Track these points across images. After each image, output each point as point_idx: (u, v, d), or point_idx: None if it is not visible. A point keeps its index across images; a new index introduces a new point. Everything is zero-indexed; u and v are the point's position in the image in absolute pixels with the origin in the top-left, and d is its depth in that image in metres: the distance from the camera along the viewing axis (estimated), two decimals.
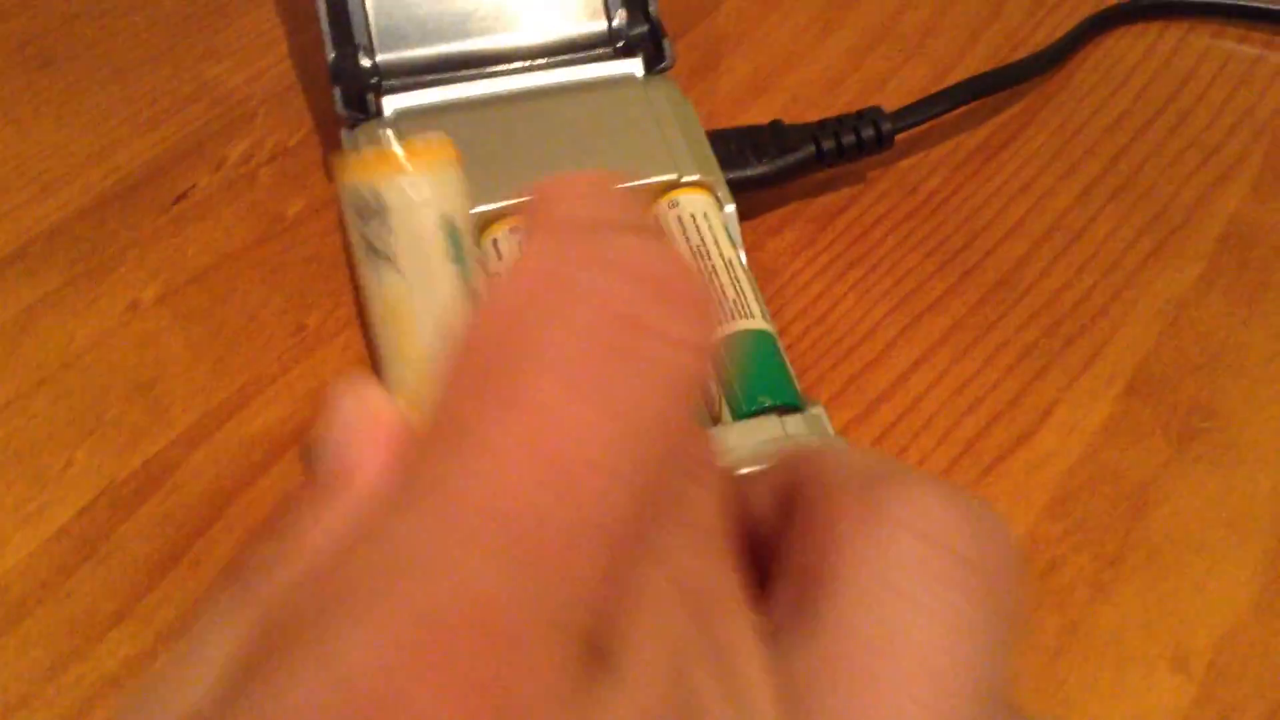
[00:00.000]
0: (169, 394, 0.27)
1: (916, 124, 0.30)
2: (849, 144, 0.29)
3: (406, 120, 0.28)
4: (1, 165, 0.31)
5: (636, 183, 0.26)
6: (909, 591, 0.12)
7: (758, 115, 0.32)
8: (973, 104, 0.32)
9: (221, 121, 0.32)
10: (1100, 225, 0.31)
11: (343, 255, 0.30)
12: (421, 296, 0.14)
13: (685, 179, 0.27)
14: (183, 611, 0.24)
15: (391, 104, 0.28)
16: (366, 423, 0.13)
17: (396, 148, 0.14)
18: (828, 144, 0.29)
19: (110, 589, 0.24)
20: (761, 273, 0.29)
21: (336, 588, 0.11)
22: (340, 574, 0.11)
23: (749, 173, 0.29)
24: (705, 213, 0.26)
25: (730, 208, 0.27)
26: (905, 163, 0.32)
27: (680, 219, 0.26)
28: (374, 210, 0.14)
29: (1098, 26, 0.34)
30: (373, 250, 0.14)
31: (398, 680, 0.10)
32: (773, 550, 0.14)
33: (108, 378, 0.27)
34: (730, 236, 0.26)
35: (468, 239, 0.14)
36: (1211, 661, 0.24)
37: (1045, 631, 0.24)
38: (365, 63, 0.28)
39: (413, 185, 0.14)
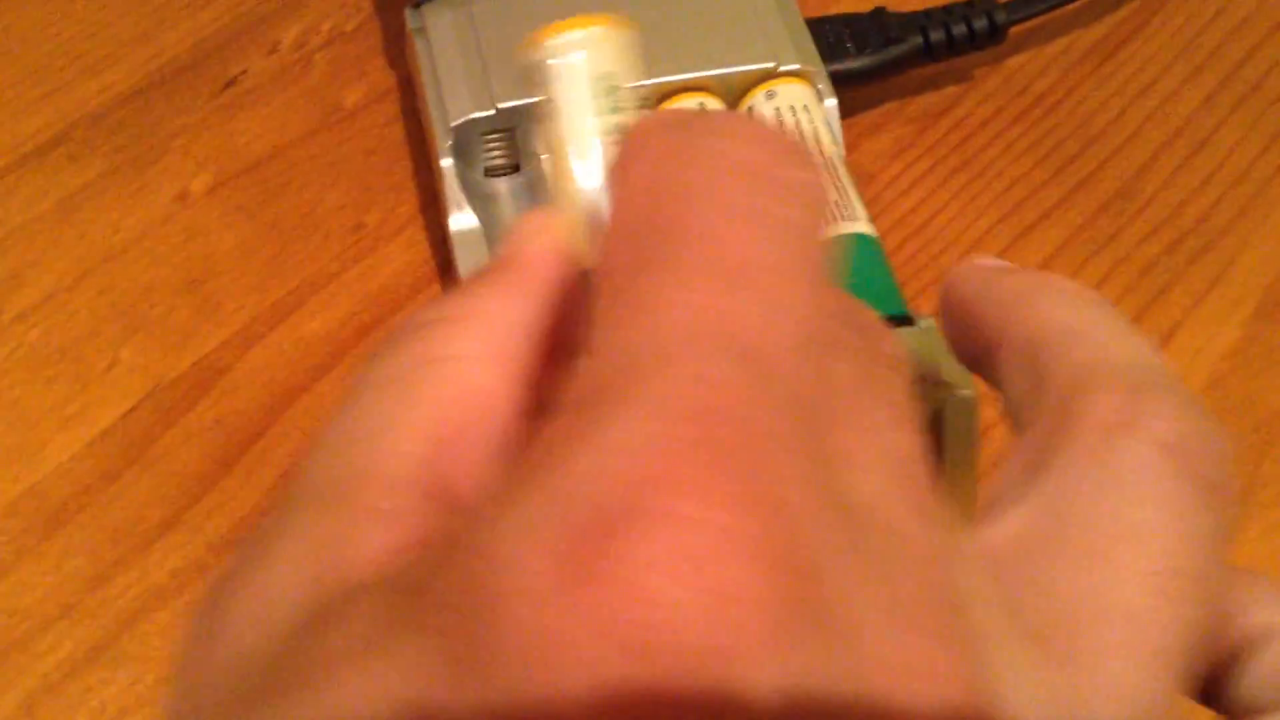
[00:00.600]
0: (220, 291, 0.25)
1: (1032, 16, 0.28)
2: (959, 35, 0.27)
3: (478, 1, 0.25)
4: (41, 45, 0.29)
5: (731, 69, 0.24)
6: (1151, 495, 0.12)
7: (856, 3, 0.30)
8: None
9: (273, 3, 0.30)
10: (1226, 134, 0.28)
11: (404, 148, 0.28)
12: (575, 148, 0.15)
13: (784, 68, 0.24)
14: (236, 522, 0.22)
15: None
16: (549, 233, 0.14)
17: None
18: (936, 35, 0.27)
19: (158, 496, 0.23)
20: (857, 175, 0.27)
21: (574, 394, 0.11)
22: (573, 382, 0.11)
23: (849, 65, 0.26)
24: (805, 105, 0.24)
25: (831, 102, 0.24)
26: (1015, 61, 0.29)
27: (779, 110, 0.24)
28: (538, 65, 0.16)
29: None
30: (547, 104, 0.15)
31: (671, 462, 0.10)
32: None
33: (154, 272, 0.26)
34: (832, 133, 0.24)
35: (628, 97, 0.15)
36: None
37: None
38: None
39: (571, 42, 0.16)
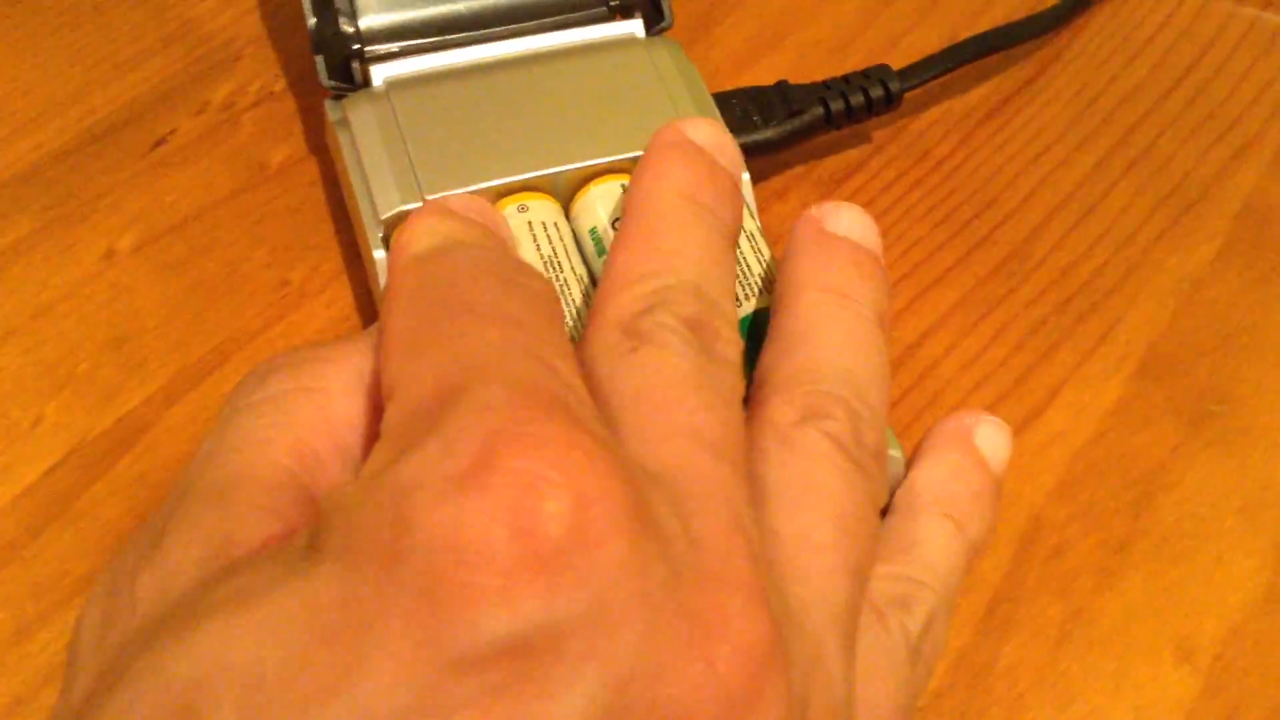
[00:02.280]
0: (144, 349, 0.26)
1: (925, 81, 0.29)
2: (857, 105, 0.28)
3: (398, 93, 0.26)
4: None
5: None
6: (823, 464, 0.18)
7: (760, 77, 0.31)
8: (983, 62, 0.31)
9: (203, 64, 0.31)
10: (1115, 199, 0.30)
11: (327, 207, 0.29)
12: None
13: None
14: None
15: (381, 73, 0.26)
16: None
17: None
18: (835, 105, 0.28)
19: (80, 551, 0.23)
20: (766, 238, 0.28)
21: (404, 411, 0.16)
22: None
23: (756, 137, 0.28)
24: None
25: (745, 176, 0.25)
26: (915, 126, 0.31)
27: None
28: None
29: None
30: None
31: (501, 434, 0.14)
32: None
33: (80, 330, 0.26)
34: (749, 208, 0.25)
35: None
36: (1218, 654, 0.23)
37: (1049, 618, 0.23)
38: (347, 29, 0.27)
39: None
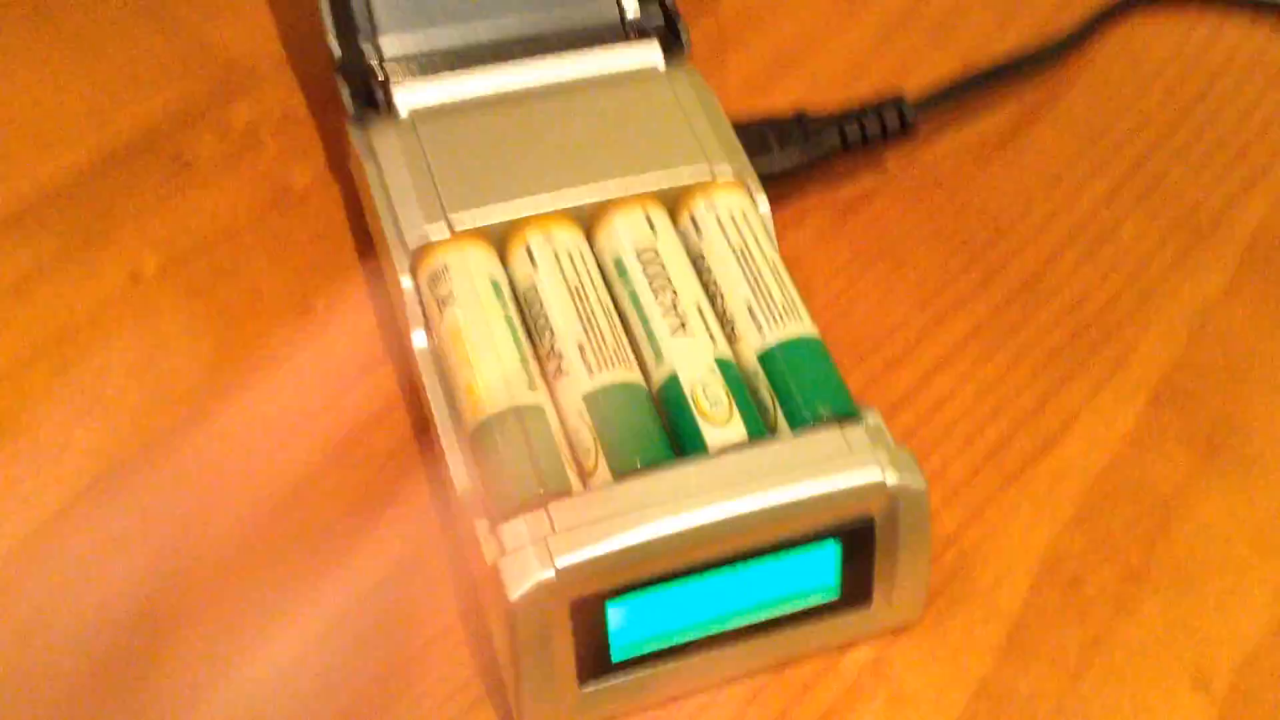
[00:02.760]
0: (172, 373, 0.26)
1: (939, 106, 0.29)
2: (873, 133, 0.29)
3: (424, 122, 0.26)
4: None
5: (670, 183, 0.25)
6: None
7: (775, 102, 0.31)
8: (997, 90, 0.32)
9: (225, 87, 0.31)
10: (1126, 228, 0.30)
11: (350, 233, 0.29)
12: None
13: (720, 177, 0.26)
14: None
15: (405, 102, 0.26)
16: None
17: None
18: (852, 133, 0.28)
19: None
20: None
21: None
22: None
23: (774, 166, 0.28)
24: (744, 212, 0.25)
25: (765, 205, 0.26)
26: (929, 153, 0.31)
27: (720, 220, 0.25)
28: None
29: (1125, 6, 0.34)
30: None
31: None
32: None
33: (107, 354, 0.27)
34: (770, 237, 0.25)
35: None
36: (1234, 683, 0.23)
37: (1067, 647, 0.24)
38: (371, 59, 0.27)
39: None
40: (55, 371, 0.26)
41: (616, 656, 0.22)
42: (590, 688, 0.22)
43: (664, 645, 0.22)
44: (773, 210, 0.29)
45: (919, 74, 0.32)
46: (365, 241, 0.28)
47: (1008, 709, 0.23)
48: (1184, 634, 0.24)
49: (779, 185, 0.28)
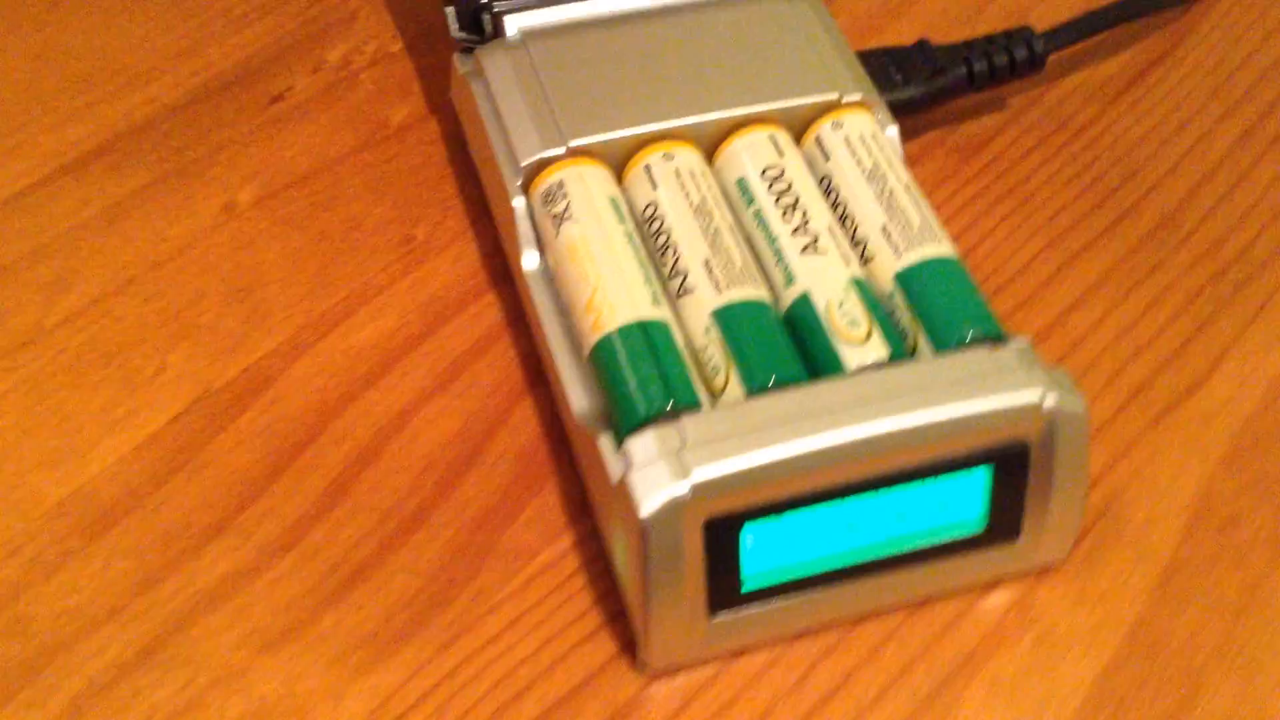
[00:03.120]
0: (268, 301, 0.25)
1: (1069, 44, 0.28)
2: (1000, 65, 0.27)
3: (535, 42, 0.25)
4: (84, 58, 0.29)
5: (796, 102, 0.24)
6: None
7: (889, 41, 0.30)
8: (1118, 33, 0.30)
9: (318, 23, 0.30)
10: (1262, 171, 0.28)
11: (450, 166, 0.28)
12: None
13: (846, 99, 0.24)
14: (285, 527, 0.22)
15: (514, 23, 0.25)
16: None
17: None
18: (979, 65, 0.27)
19: (206, 501, 0.22)
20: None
21: None
22: None
23: (898, 95, 0.27)
24: (873, 134, 0.24)
25: (893, 130, 0.24)
26: (1054, 93, 0.29)
27: (848, 140, 0.24)
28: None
29: None
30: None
31: None
32: None
33: (202, 281, 0.25)
34: (900, 158, 0.24)
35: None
36: None
37: (1225, 591, 0.22)
38: None
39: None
40: (148, 298, 0.25)
41: (749, 585, 0.20)
42: (721, 617, 0.20)
43: (799, 575, 0.20)
44: None
45: (1037, 16, 0.31)
46: (466, 177, 0.27)
47: (1164, 651, 0.21)
48: None
49: (901, 118, 0.27)
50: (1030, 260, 0.26)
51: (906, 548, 0.21)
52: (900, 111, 0.27)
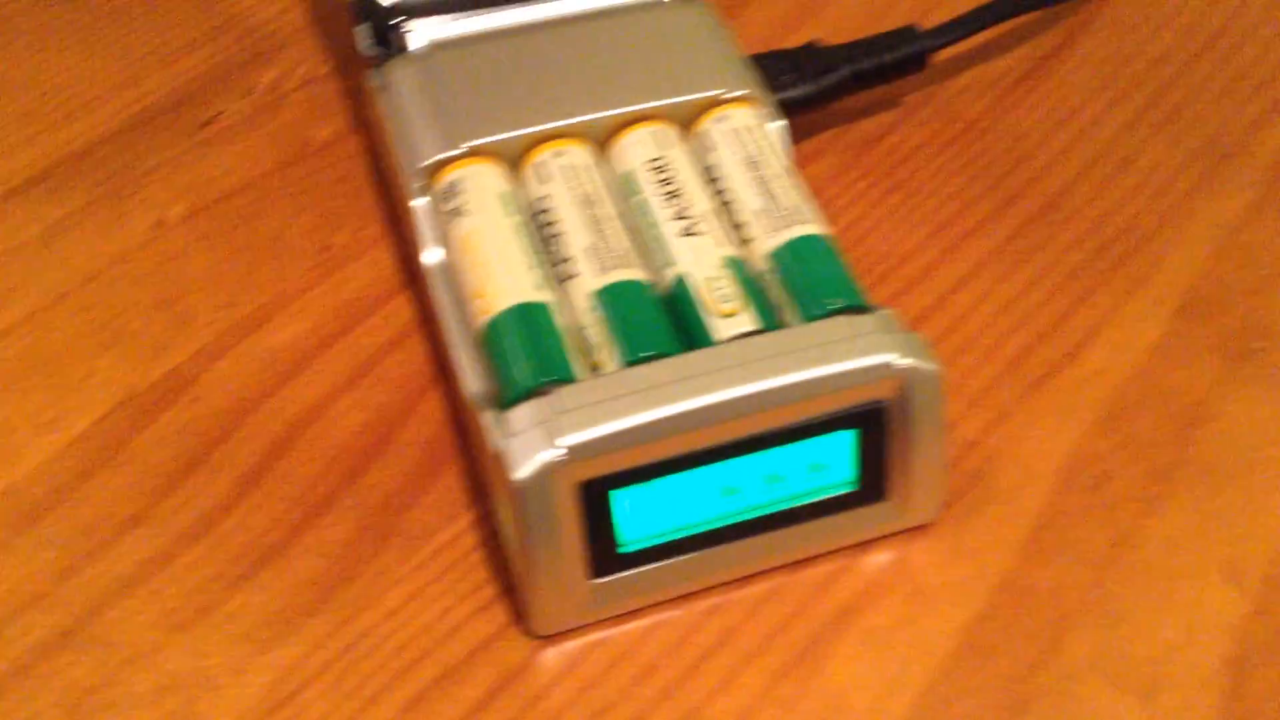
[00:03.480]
0: (193, 309, 0.27)
1: (953, 41, 0.29)
2: (885, 63, 0.29)
3: (437, 53, 0.27)
4: (26, 93, 0.31)
5: (682, 98, 0.26)
6: None
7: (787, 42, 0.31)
8: (1013, 30, 0.32)
9: (251, 52, 0.32)
10: (1147, 154, 0.30)
11: (369, 178, 0.29)
12: None
13: (731, 94, 0.26)
14: (200, 516, 0.23)
15: (420, 37, 0.27)
16: None
17: None
18: (864, 64, 0.29)
19: (127, 494, 0.24)
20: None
21: None
22: None
23: (789, 94, 0.28)
24: (754, 125, 0.25)
25: (779, 123, 0.26)
26: (946, 89, 0.31)
27: (730, 132, 0.25)
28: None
29: None
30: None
31: None
32: None
33: (131, 293, 0.27)
34: (782, 148, 0.25)
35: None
36: (1266, 575, 0.23)
37: (1093, 544, 0.23)
38: (386, 1, 0.28)
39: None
40: (79, 309, 0.27)
41: (628, 548, 0.21)
42: (601, 581, 0.21)
43: (677, 537, 0.22)
44: (792, 145, 0.29)
45: (939, 17, 0.32)
46: (384, 186, 0.29)
47: (1031, 602, 0.22)
48: (1215, 530, 0.23)
49: (793, 118, 0.28)
50: (917, 246, 0.28)
51: (779, 508, 0.22)
52: (793, 109, 0.28)
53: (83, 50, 0.32)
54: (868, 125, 0.30)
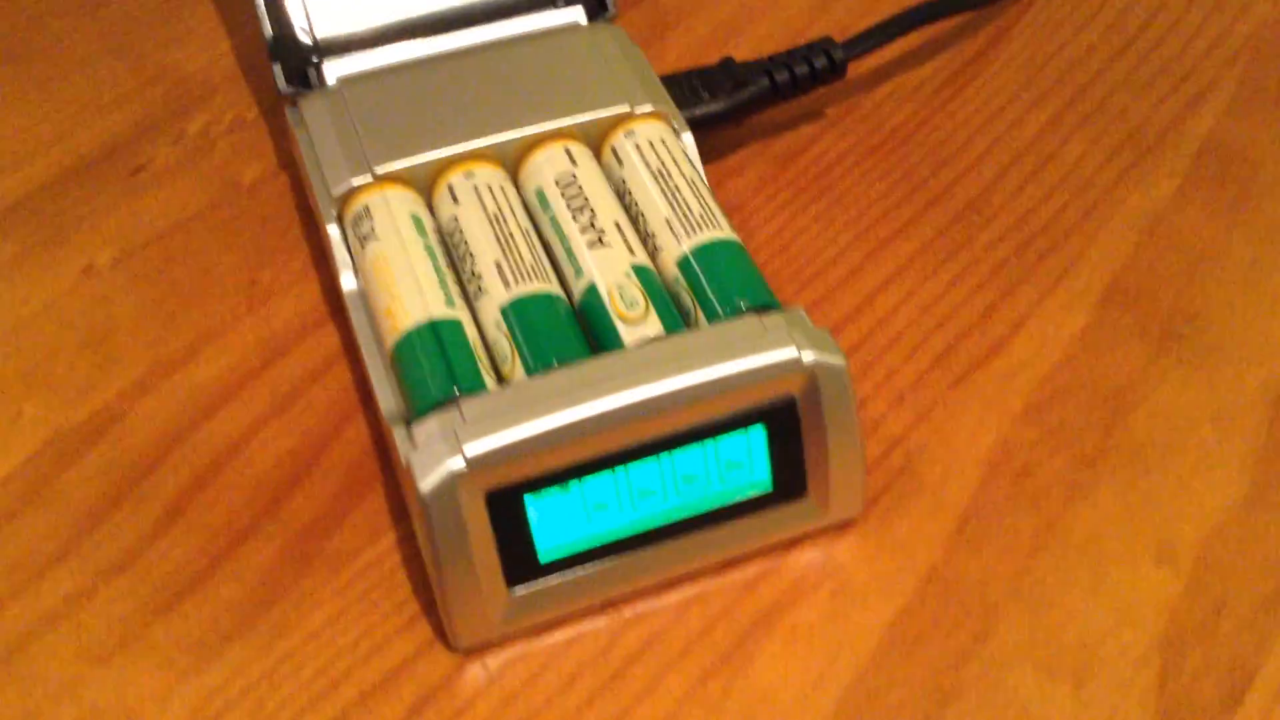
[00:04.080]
0: (120, 349, 0.27)
1: (869, 49, 0.30)
2: (802, 75, 0.29)
3: (350, 87, 0.27)
4: None
5: (590, 116, 0.26)
6: None
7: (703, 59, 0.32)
8: (933, 38, 0.32)
9: (181, 101, 0.32)
10: (1071, 149, 0.30)
11: (296, 214, 0.29)
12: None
13: (639, 110, 0.26)
14: (123, 550, 0.23)
15: (334, 71, 0.27)
16: None
17: None
18: (781, 76, 0.29)
19: (52, 531, 0.24)
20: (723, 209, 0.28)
21: None
22: None
23: (704, 110, 0.28)
24: (663, 138, 0.26)
25: (688, 136, 0.26)
26: (867, 100, 0.31)
27: (638, 146, 0.25)
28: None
29: None
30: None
31: None
32: None
33: (59, 337, 0.27)
34: (689, 159, 0.25)
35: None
36: (1200, 555, 0.22)
37: (1020, 532, 0.23)
38: (304, 40, 0.28)
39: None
40: (6, 357, 0.27)
41: (545, 556, 0.21)
42: (520, 590, 0.21)
43: (595, 543, 0.22)
44: (711, 162, 0.29)
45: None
46: (309, 222, 0.29)
47: (959, 593, 0.22)
48: (1145, 513, 0.23)
49: (711, 131, 0.29)
50: (841, 251, 0.28)
51: (698, 510, 0.22)
52: (711, 124, 0.29)
53: (18, 108, 0.32)
54: (790, 138, 0.30)
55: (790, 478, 0.22)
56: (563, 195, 0.25)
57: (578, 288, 0.23)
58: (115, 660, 0.22)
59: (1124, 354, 0.26)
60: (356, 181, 0.25)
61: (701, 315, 0.23)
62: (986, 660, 0.21)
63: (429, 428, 0.21)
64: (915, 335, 0.26)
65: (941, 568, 0.22)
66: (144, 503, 0.24)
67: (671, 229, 0.24)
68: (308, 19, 0.28)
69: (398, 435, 0.21)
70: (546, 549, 0.21)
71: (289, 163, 0.31)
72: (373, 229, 0.24)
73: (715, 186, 0.29)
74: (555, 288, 0.23)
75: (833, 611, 0.22)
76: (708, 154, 0.28)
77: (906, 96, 0.31)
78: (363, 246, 0.24)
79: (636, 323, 0.22)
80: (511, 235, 0.24)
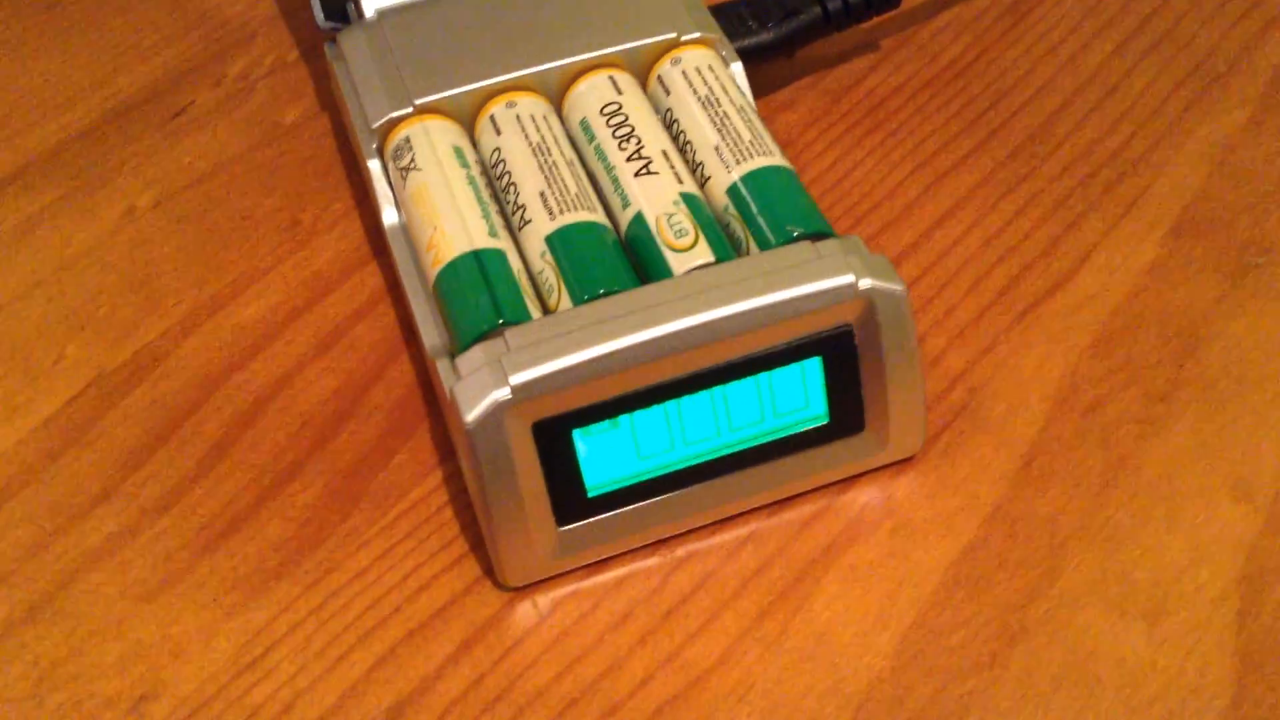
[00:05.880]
0: (162, 290, 0.26)
1: None
2: (856, 3, 0.28)
3: (389, 19, 0.26)
4: (4, 95, 0.31)
5: (637, 43, 0.25)
6: None
7: None
8: None
9: (221, 44, 0.32)
10: (1137, 78, 0.29)
11: (339, 155, 0.29)
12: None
13: (686, 37, 0.25)
14: (168, 489, 0.23)
15: (372, 4, 0.27)
16: None
17: None
18: (833, 4, 0.28)
19: (96, 471, 0.23)
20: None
21: None
22: None
23: (753, 40, 0.27)
24: (710, 65, 0.25)
25: (737, 65, 0.25)
26: (923, 32, 0.30)
27: (685, 73, 0.25)
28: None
29: None
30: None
31: None
32: None
33: (102, 278, 0.27)
34: (738, 86, 0.25)
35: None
36: (1279, 491, 0.21)
37: (1090, 468, 0.22)
38: None
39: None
40: (51, 298, 0.26)
41: (594, 491, 0.21)
42: (569, 527, 0.21)
43: (645, 479, 0.21)
44: (761, 97, 0.29)
45: None
46: (351, 161, 0.28)
47: (1025, 530, 0.21)
48: (1220, 448, 0.22)
49: (762, 63, 0.28)
50: (898, 185, 0.27)
51: (751, 446, 0.21)
52: (761, 56, 0.28)
53: (58, 54, 0.32)
54: (843, 71, 0.29)
55: (847, 412, 0.21)
56: (608, 124, 0.24)
57: (625, 218, 0.23)
58: (160, 598, 0.21)
59: (1196, 287, 0.24)
60: (396, 113, 0.24)
61: (753, 244, 0.22)
62: (1055, 599, 0.20)
63: (473, 358, 0.20)
64: (976, 269, 0.25)
65: (1006, 506, 0.22)
66: (187, 443, 0.24)
67: (720, 157, 0.23)
68: None
69: (441, 368, 0.21)
70: (595, 484, 0.21)
71: (329, 105, 0.30)
72: (413, 161, 0.24)
73: (766, 120, 0.28)
74: (602, 218, 0.22)
75: (893, 550, 0.21)
76: (758, 89, 0.28)
77: (964, 27, 0.30)
78: (404, 179, 0.24)
79: (686, 251, 0.22)
80: (555, 165, 0.23)
